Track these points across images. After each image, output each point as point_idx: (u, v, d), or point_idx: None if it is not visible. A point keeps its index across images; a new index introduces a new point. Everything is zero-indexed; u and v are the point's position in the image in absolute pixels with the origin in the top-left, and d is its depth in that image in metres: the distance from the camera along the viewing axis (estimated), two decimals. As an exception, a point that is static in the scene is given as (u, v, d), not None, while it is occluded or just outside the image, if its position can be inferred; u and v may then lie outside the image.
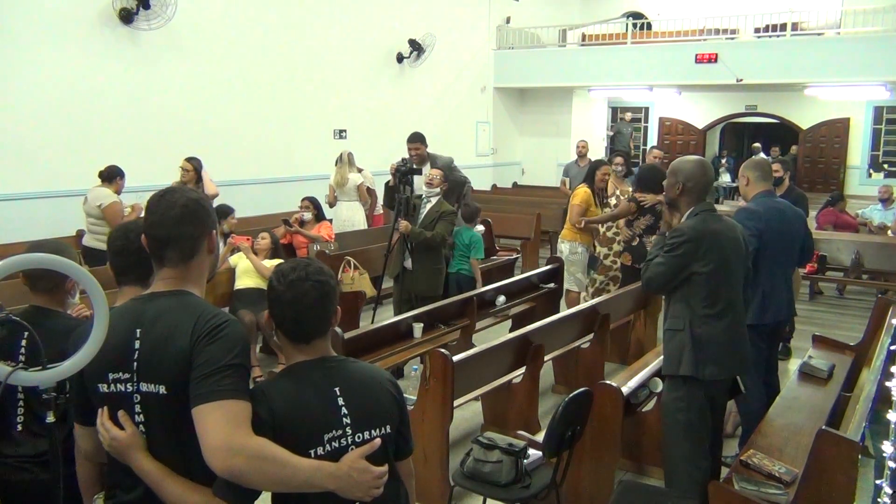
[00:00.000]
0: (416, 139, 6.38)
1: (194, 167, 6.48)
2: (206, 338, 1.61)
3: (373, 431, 1.75)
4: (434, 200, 5.54)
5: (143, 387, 1.66)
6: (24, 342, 2.26)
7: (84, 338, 1.62)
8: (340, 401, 1.72)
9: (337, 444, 1.70)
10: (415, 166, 5.92)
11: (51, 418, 1.71)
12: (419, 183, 5.76)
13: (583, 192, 6.37)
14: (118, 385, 1.68)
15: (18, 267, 1.65)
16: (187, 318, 1.65)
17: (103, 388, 1.70)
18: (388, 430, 1.79)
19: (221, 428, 1.53)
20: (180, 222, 1.73)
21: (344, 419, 1.71)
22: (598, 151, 14.77)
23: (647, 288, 3.40)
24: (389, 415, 1.81)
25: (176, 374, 1.62)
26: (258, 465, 1.53)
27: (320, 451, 1.67)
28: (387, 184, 7.48)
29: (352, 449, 1.70)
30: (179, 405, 1.61)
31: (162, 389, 1.64)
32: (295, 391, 1.70)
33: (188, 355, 1.61)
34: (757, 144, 14.92)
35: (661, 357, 3.51)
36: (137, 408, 1.68)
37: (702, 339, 3.15)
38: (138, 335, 1.66)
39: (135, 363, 1.66)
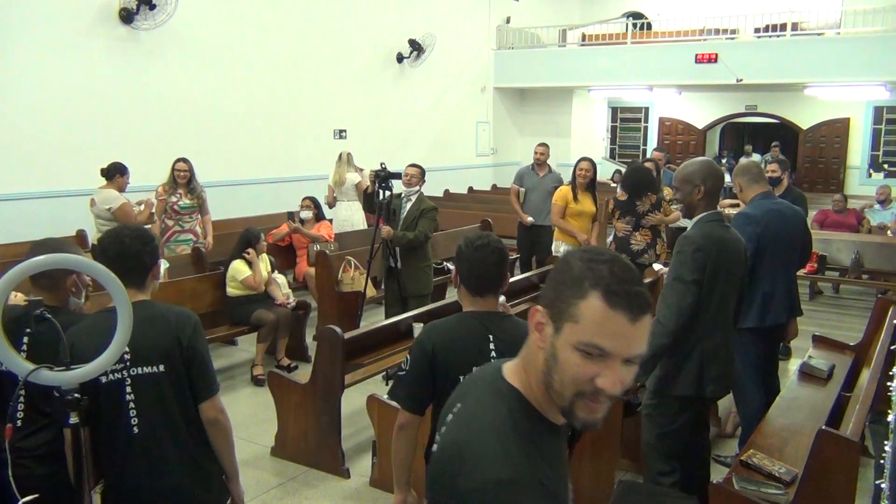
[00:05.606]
0: None
1: (190, 166, 6.31)
2: None
3: None
4: (414, 199, 5.53)
5: None
6: (25, 339, 2.21)
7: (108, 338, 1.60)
8: (492, 345, 2.23)
9: None
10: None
11: (74, 419, 1.66)
12: (397, 182, 5.63)
13: (560, 190, 6.54)
14: None
15: (41, 268, 1.65)
16: None
17: None
18: None
19: None
20: None
21: (492, 359, 2.15)
22: (597, 151, 14.81)
23: (678, 321, 2.93)
24: None
25: None
26: None
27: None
28: (365, 190, 7.65)
29: None
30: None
31: None
32: (454, 329, 2.28)
33: None
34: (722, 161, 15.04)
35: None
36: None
37: (704, 355, 3.01)
38: None
39: None
